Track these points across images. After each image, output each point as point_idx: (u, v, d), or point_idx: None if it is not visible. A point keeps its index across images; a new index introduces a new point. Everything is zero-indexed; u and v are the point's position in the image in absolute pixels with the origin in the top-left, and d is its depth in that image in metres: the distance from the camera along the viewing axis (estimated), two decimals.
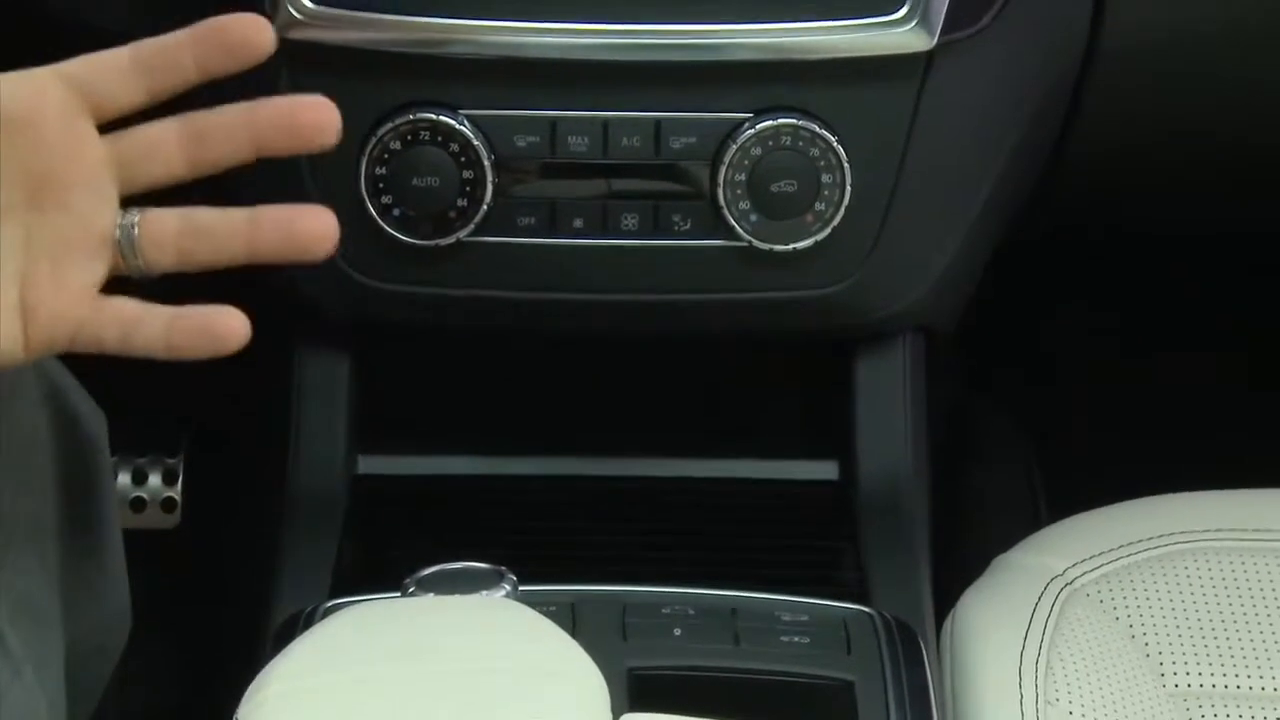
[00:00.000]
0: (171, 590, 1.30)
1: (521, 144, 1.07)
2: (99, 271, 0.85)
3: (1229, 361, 1.71)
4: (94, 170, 0.85)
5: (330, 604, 1.00)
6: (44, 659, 0.95)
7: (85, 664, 1.02)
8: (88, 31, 1.12)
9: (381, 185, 1.07)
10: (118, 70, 0.86)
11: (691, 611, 1.01)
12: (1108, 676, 1.04)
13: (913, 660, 1.00)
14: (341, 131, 0.96)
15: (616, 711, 0.82)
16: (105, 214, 0.85)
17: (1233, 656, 1.06)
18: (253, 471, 1.05)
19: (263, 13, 1.00)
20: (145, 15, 1.09)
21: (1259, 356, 1.70)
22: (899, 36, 1.06)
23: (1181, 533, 1.13)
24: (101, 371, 0.97)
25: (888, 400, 1.17)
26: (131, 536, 1.03)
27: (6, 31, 1.03)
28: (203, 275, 1.04)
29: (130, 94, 0.86)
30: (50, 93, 0.85)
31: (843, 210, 1.08)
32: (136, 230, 0.86)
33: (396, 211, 1.08)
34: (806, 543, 1.15)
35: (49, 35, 1.08)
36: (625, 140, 1.07)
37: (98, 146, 0.85)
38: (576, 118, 1.07)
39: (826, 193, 1.07)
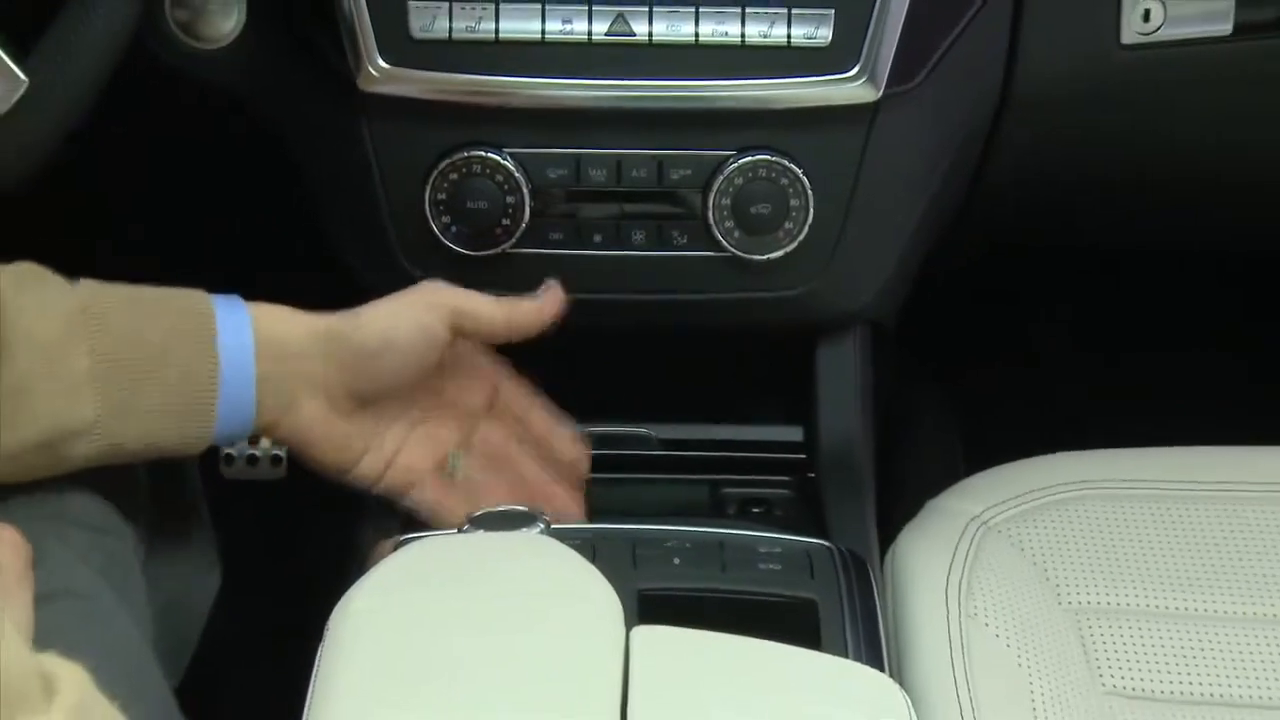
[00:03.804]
0: (275, 530, 1.30)
1: (553, 175, 1.07)
2: None
3: (1123, 343, 1.70)
4: None
5: (403, 538, 0.99)
6: (126, 592, 0.92)
7: (171, 620, 0.99)
8: (198, 85, 1.11)
9: (442, 208, 1.07)
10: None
11: (688, 545, 1.00)
12: (1015, 596, 1.04)
13: (863, 583, 0.99)
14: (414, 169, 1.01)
15: (628, 625, 0.84)
16: None
17: (1114, 580, 1.06)
18: None
19: (348, 73, 1.05)
20: (247, 75, 1.10)
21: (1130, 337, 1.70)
22: (852, 90, 1.06)
23: (1077, 482, 1.12)
24: None
25: (842, 379, 1.16)
26: (247, 487, 1.03)
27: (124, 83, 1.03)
28: (292, 280, 1.04)
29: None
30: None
31: (807, 228, 1.08)
32: None
33: (454, 229, 1.08)
34: (777, 491, 1.15)
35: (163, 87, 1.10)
36: (635, 172, 1.07)
37: None
38: (596, 155, 1.07)
39: (794, 214, 1.08)
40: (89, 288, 0.93)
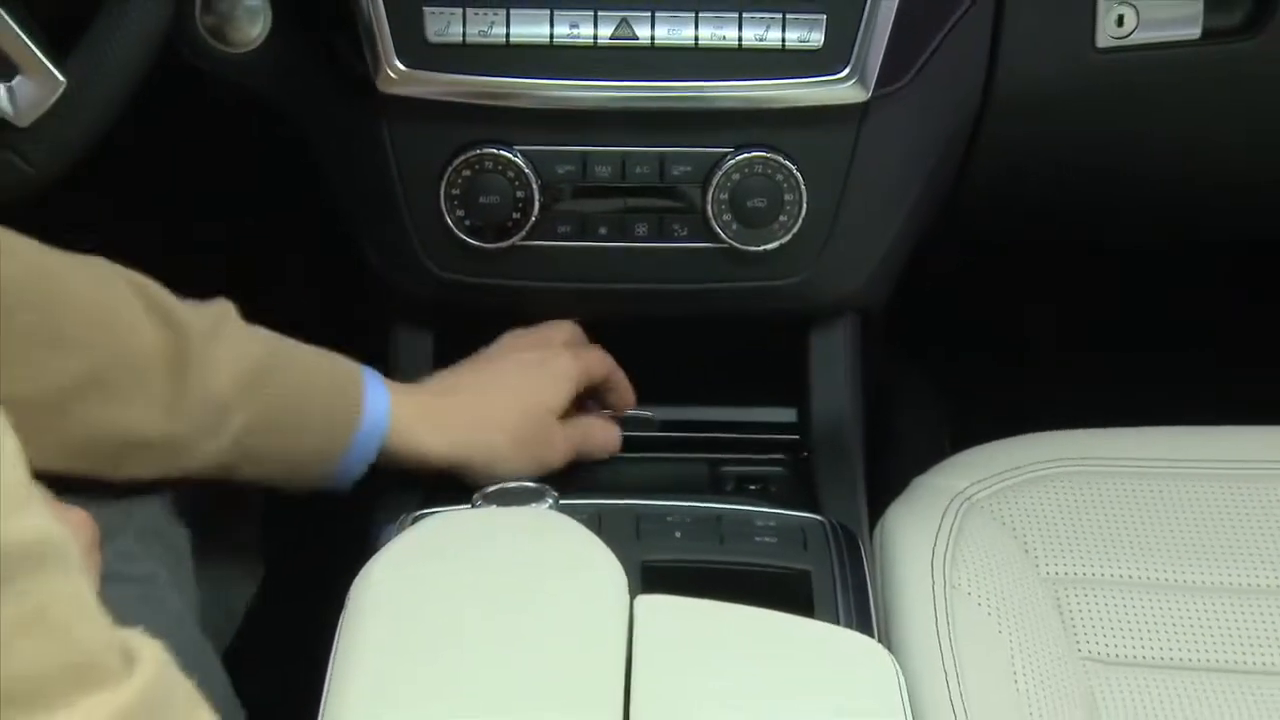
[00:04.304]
0: (300, 509, 1.23)
1: (561, 172, 1.08)
2: None
3: (1097, 337, 1.69)
4: None
5: (419, 513, 0.99)
6: (179, 579, 0.92)
7: (211, 614, 0.97)
8: (228, 87, 1.11)
9: (456, 202, 1.08)
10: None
11: (689, 519, 1.01)
12: (996, 567, 1.05)
13: (854, 555, 1.00)
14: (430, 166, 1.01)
15: (632, 594, 0.85)
16: None
17: (1089, 551, 1.06)
18: None
19: (367, 75, 1.04)
20: (273, 79, 1.11)
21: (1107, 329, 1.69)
22: (843, 91, 1.07)
23: (1056, 460, 1.13)
24: None
25: (833, 363, 1.17)
26: None
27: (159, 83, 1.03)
28: (317, 272, 1.04)
29: None
30: None
31: (800, 221, 1.09)
32: None
33: (467, 222, 1.09)
34: (772, 469, 1.15)
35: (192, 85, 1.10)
36: (638, 169, 1.08)
37: None
38: (602, 152, 1.08)
39: (789, 208, 1.09)
40: (265, 342, 0.96)
